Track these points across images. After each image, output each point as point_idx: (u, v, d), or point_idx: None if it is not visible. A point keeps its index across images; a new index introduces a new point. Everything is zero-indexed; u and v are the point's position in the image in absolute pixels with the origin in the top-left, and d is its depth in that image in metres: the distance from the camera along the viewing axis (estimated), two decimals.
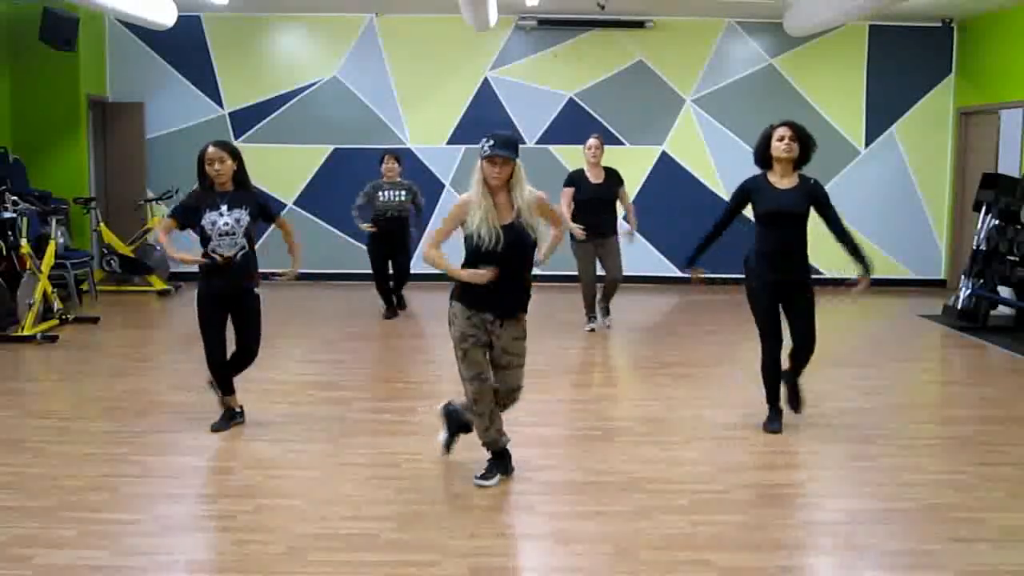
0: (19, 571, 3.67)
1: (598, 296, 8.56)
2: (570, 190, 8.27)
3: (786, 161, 5.36)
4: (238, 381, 5.59)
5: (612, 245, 8.36)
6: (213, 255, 5.26)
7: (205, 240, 5.27)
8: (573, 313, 8.73)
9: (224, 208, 5.24)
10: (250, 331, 5.44)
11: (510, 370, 4.56)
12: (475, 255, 4.45)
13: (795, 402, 5.70)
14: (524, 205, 4.43)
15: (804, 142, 5.37)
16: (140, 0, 9.58)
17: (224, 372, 5.47)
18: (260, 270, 5.50)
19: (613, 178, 8.38)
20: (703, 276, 5.73)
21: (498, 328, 4.50)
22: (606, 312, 8.59)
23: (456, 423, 4.85)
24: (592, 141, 8.38)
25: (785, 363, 5.66)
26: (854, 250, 5.45)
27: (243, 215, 5.27)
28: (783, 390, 5.68)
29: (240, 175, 5.33)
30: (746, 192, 5.52)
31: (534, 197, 4.50)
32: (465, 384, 4.57)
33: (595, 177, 8.30)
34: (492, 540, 4.10)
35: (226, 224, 5.22)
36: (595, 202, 8.21)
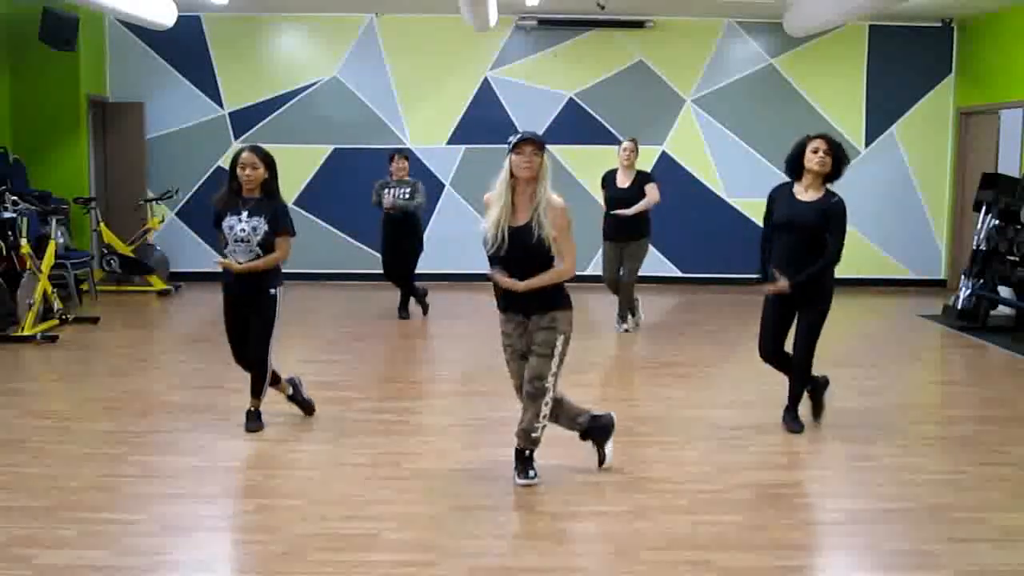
0: (19, 571, 3.66)
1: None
2: (604, 192, 8.45)
3: (817, 174, 5.35)
4: (242, 384, 5.58)
5: (635, 249, 8.39)
6: (230, 260, 5.27)
7: (223, 244, 5.27)
8: (575, 313, 8.71)
9: (244, 215, 5.24)
10: (258, 333, 5.38)
11: (533, 357, 4.53)
12: (489, 256, 4.51)
13: (796, 424, 5.65)
14: (543, 202, 4.40)
15: (838, 157, 5.35)
16: (140, 0, 9.59)
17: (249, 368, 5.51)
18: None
19: (641, 181, 8.34)
20: (779, 284, 5.41)
21: (527, 321, 4.55)
22: (623, 319, 8.63)
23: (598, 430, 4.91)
24: (626, 144, 8.38)
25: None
26: (810, 270, 5.32)
27: (261, 224, 5.24)
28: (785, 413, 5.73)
29: (270, 184, 5.32)
30: (771, 201, 5.56)
31: (558, 204, 4.44)
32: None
33: (623, 180, 8.31)
34: (492, 540, 4.10)
35: (243, 231, 5.22)
36: (619, 204, 8.23)
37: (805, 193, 5.40)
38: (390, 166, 9.03)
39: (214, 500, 4.53)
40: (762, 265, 5.59)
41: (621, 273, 8.50)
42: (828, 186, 5.44)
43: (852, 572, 3.91)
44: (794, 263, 5.37)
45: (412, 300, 9.33)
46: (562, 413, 4.77)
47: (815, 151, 5.33)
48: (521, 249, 4.41)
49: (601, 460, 4.88)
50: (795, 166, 5.43)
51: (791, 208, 5.38)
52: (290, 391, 5.68)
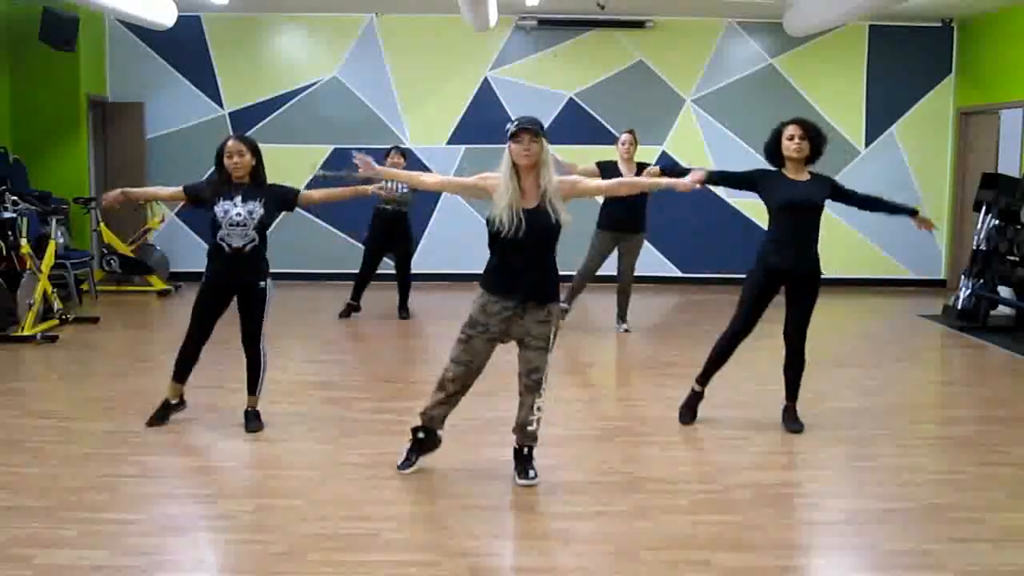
0: (19, 571, 3.66)
1: (611, 301, 8.60)
2: (596, 167, 8.18)
3: (797, 160, 5.37)
4: (242, 384, 5.58)
5: (635, 244, 8.38)
6: (222, 243, 5.27)
7: (215, 228, 5.27)
8: (574, 313, 8.72)
9: (239, 199, 5.26)
10: (250, 326, 5.41)
11: (530, 351, 4.50)
12: (496, 241, 4.43)
13: (796, 424, 5.64)
14: (551, 187, 4.41)
15: (814, 139, 5.36)
16: (140, 0, 9.59)
17: (187, 362, 5.48)
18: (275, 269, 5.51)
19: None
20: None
21: (521, 312, 4.47)
22: (622, 319, 8.60)
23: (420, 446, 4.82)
24: (625, 136, 8.37)
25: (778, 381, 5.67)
26: (889, 207, 5.56)
27: (257, 208, 5.27)
28: (783, 411, 5.71)
29: (258, 171, 5.35)
30: (756, 177, 5.49)
31: (565, 180, 4.50)
32: (448, 363, 4.58)
33: (627, 172, 8.30)
34: (492, 540, 4.10)
35: (239, 215, 5.23)
36: (626, 196, 8.21)
37: (795, 176, 5.41)
38: (386, 161, 9.01)
39: (214, 500, 4.53)
40: (712, 175, 5.43)
41: (618, 271, 8.48)
42: (810, 168, 5.46)
43: (852, 572, 3.91)
44: (802, 245, 5.37)
45: (409, 300, 9.30)
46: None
47: (790, 138, 5.34)
48: (540, 230, 4.38)
49: (404, 464, 4.78)
50: (775, 153, 5.44)
51: (793, 190, 5.36)
52: (175, 401, 5.57)
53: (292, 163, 10.99)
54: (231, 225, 5.24)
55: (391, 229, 8.97)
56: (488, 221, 4.43)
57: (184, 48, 11.17)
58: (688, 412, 5.75)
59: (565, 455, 5.13)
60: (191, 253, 11.14)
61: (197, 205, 5.40)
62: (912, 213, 5.58)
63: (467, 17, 9.54)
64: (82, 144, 10.75)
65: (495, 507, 4.43)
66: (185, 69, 11.26)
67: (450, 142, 11.34)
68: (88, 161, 10.93)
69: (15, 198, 8.61)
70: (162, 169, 11.18)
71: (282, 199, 5.43)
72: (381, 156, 9.18)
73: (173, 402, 5.57)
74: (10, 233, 8.32)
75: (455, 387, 4.62)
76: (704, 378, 5.72)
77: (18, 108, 10.39)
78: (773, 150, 5.44)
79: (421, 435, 4.76)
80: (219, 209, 5.25)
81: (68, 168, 10.61)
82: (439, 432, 4.78)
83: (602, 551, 3.95)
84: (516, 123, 4.39)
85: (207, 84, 11.29)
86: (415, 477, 4.78)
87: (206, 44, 11.27)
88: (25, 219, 8.47)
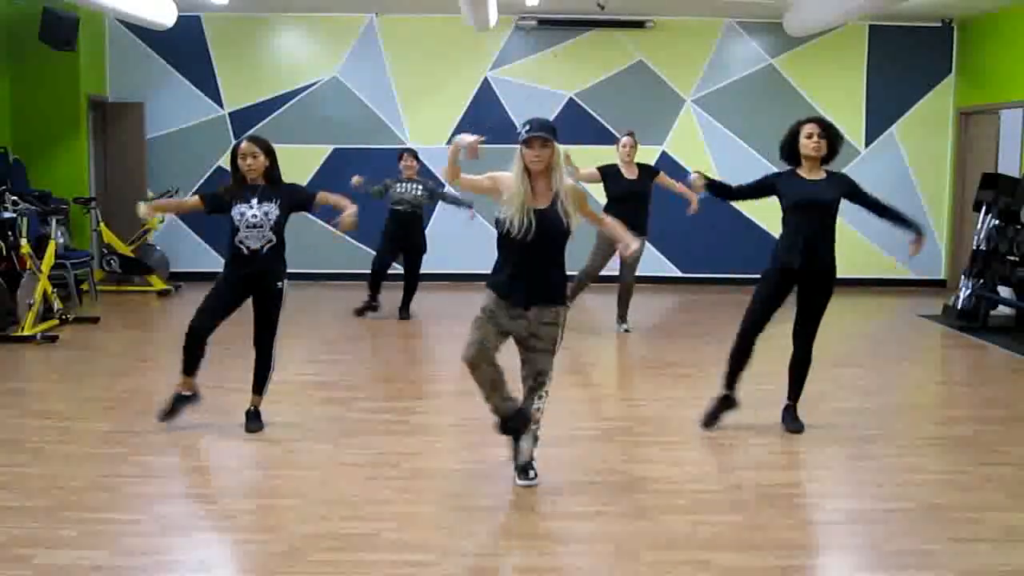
0: (19, 571, 3.66)
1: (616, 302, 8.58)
2: (597, 172, 8.26)
3: (814, 159, 5.36)
4: (243, 384, 5.58)
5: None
6: (240, 246, 5.28)
7: (234, 232, 5.28)
8: (574, 312, 8.70)
9: (254, 201, 5.27)
10: (264, 326, 5.43)
11: (535, 353, 4.49)
12: (505, 241, 4.42)
13: (796, 424, 5.61)
14: (563, 190, 4.41)
15: (832, 139, 5.36)
16: (140, 0, 9.59)
17: (196, 347, 5.41)
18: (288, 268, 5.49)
19: (647, 174, 8.36)
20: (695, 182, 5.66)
21: (528, 313, 4.44)
22: (623, 319, 8.59)
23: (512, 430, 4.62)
24: (626, 139, 8.38)
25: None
26: (900, 220, 5.64)
27: (272, 209, 5.29)
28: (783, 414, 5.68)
29: (272, 171, 5.36)
30: (770, 184, 5.50)
31: (576, 188, 4.49)
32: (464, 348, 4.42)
33: (629, 174, 8.30)
34: (492, 540, 4.11)
35: (254, 216, 5.25)
36: (630, 197, 8.18)
37: (811, 175, 5.40)
38: (399, 164, 9.03)
39: (214, 500, 4.54)
40: (716, 185, 5.67)
41: (620, 273, 8.47)
42: (826, 167, 5.46)
43: (852, 572, 3.91)
44: (816, 244, 5.36)
45: (409, 301, 9.29)
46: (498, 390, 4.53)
47: (809, 136, 5.34)
48: (549, 231, 4.37)
49: (520, 459, 4.57)
50: (791, 152, 5.43)
51: (806, 188, 5.36)
52: (187, 392, 5.49)
53: (292, 163, 11.01)
54: (248, 227, 5.26)
55: (405, 230, 8.98)
56: (498, 222, 4.42)
57: (184, 48, 11.17)
58: (712, 417, 5.62)
59: (565, 455, 5.12)
60: (191, 253, 11.16)
61: (217, 212, 5.37)
62: (918, 233, 5.59)
63: (467, 17, 9.54)
64: (82, 144, 10.75)
65: (495, 507, 4.43)
66: (185, 69, 11.26)
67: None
68: (88, 161, 10.93)
69: (15, 198, 8.61)
70: (162, 169, 11.18)
71: (298, 202, 5.45)
72: (385, 158, 9.20)
73: (185, 394, 5.51)
74: (10, 233, 8.32)
75: (481, 372, 4.39)
76: (729, 382, 5.61)
77: (18, 108, 10.39)
78: (790, 149, 5.42)
79: (508, 425, 4.56)
80: (236, 212, 5.27)
81: (68, 168, 10.61)
82: (513, 405, 4.53)
83: (602, 551, 3.95)
84: (528, 128, 4.36)
85: (207, 84, 11.29)
86: (415, 477, 4.79)
87: (206, 44, 11.27)
88: (25, 219, 8.46)
